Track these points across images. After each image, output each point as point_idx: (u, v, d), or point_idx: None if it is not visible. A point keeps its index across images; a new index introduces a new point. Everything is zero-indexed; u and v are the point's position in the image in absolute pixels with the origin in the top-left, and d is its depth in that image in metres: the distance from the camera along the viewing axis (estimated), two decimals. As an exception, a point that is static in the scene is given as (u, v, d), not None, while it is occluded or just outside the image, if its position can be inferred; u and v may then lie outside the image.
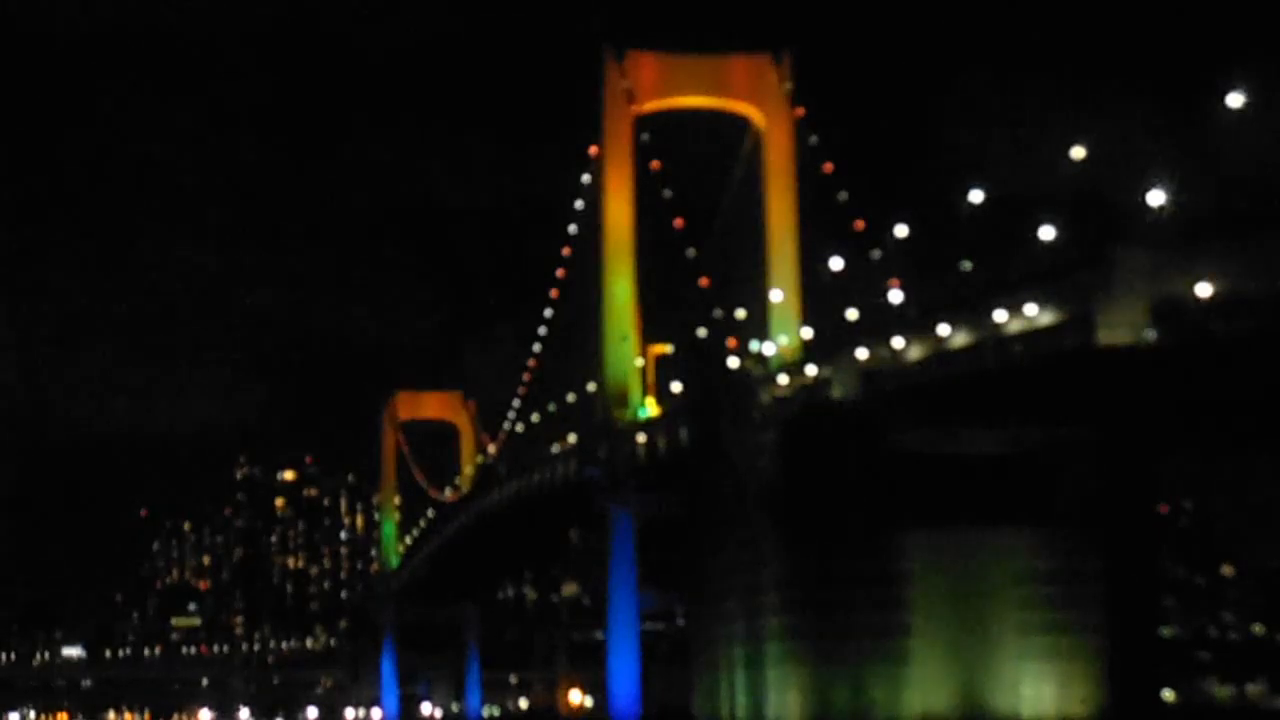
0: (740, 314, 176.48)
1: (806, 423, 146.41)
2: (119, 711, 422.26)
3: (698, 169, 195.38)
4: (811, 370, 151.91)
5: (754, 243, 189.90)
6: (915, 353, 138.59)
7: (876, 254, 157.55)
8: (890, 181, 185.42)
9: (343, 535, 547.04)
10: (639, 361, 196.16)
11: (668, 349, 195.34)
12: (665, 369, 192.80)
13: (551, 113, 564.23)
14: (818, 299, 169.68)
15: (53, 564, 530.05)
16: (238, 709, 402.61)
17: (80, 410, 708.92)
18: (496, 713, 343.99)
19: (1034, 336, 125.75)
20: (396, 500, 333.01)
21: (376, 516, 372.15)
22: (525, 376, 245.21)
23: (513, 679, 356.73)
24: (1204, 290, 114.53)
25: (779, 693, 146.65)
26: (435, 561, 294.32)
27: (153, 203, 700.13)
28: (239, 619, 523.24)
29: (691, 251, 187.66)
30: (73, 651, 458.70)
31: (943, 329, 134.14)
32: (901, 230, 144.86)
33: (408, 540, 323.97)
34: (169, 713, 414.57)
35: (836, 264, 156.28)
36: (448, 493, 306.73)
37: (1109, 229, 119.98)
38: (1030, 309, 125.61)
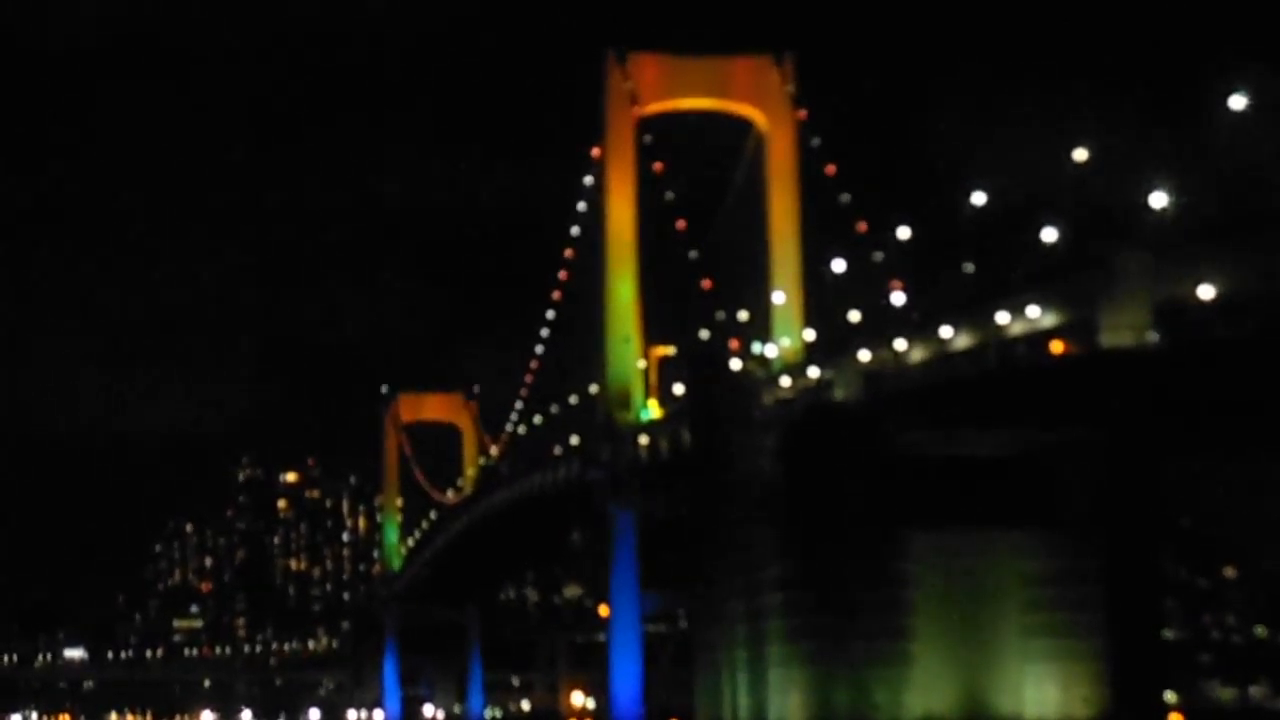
0: (742, 316, 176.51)
1: (809, 425, 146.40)
2: (121, 713, 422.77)
3: (700, 171, 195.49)
4: (814, 372, 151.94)
5: (756, 245, 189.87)
6: (917, 355, 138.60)
7: (879, 256, 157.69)
8: (892, 183, 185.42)
9: (345, 537, 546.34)
10: (641, 363, 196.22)
11: (670, 351, 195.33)
12: (667, 371, 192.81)
13: (554, 114, 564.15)
14: (820, 301, 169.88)
15: (54, 565, 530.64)
16: (240, 711, 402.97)
17: (81, 411, 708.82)
18: (498, 714, 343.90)
19: (1036, 338, 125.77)
20: (399, 502, 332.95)
21: (379, 518, 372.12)
22: (527, 378, 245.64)
23: (515, 680, 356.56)
24: (1206, 292, 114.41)
25: (781, 694, 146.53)
26: (437, 563, 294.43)
27: (153, 203, 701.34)
28: (241, 621, 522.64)
29: (694, 253, 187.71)
30: (75, 653, 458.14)
31: (945, 331, 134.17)
32: (904, 232, 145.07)
33: (410, 542, 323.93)
34: (171, 714, 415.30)
35: (839, 266, 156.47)
36: (450, 494, 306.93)
37: (1111, 231, 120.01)
38: (1032, 311, 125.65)
